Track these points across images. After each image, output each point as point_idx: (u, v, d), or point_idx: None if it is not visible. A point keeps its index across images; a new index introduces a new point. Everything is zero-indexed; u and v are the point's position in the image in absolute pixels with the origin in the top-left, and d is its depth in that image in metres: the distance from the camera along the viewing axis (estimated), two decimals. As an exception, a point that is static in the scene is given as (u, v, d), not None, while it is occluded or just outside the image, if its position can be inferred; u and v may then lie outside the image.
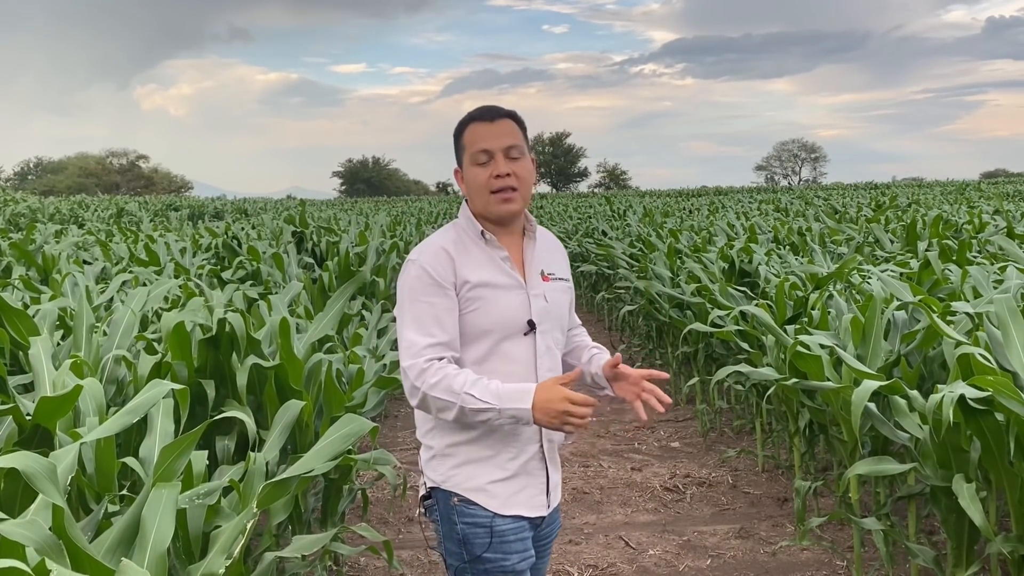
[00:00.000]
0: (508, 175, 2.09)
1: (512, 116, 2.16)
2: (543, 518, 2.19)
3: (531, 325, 2.12)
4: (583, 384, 2.31)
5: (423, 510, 2.21)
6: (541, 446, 2.15)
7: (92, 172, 72.73)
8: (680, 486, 5.16)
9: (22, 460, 1.47)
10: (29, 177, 75.40)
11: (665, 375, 2.19)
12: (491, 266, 2.11)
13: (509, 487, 2.11)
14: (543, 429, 2.12)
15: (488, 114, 2.14)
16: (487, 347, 2.09)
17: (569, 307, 2.31)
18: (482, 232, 2.13)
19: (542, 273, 2.19)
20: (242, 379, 3.33)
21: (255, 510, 1.92)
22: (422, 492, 2.19)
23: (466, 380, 1.98)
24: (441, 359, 2.02)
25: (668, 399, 2.14)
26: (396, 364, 3.77)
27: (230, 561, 1.79)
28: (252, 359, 3.40)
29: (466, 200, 2.19)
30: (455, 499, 2.10)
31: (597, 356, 2.31)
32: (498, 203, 2.10)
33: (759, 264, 6.40)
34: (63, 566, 1.39)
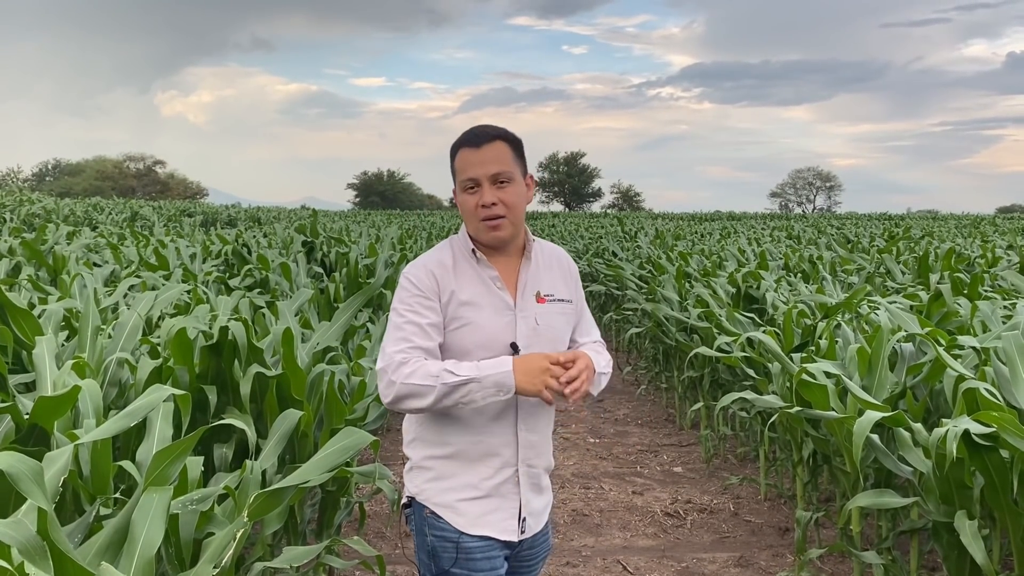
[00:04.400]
0: (494, 204, 2.08)
1: (502, 137, 2.12)
2: (520, 542, 2.17)
3: (514, 348, 2.08)
4: None
5: (405, 518, 2.24)
6: (517, 470, 2.13)
7: (109, 175, 73.37)
8: (681, 512, 5.11)
9: (7, 460, 1.47)
10: (47, 178, 76.11)
11: None
12: (480, 285, 2.11)
13: (479, 507, 2.11)
14: (520, 452, 2.12)
15: (475, 139, 2.11)
16: None
17: (576, 326, 2.26)
18: (473, 251, 2.14)
19: (538, 295, 2.16)
20: (246, 388, 3.32)
21: (246, 520, 1.91)
22: (403, 500, 2.23)
23: (445, 363, 2.01)
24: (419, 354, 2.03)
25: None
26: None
27: (218, 570, 1.78)
28: (255, 368, 3.40)
29: None
30: (427, 511, 2.13)
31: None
32: (487, 231, 2.11)
33: (766, 291, 6.37)
34: (46, 568, 1.38)
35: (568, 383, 1.99)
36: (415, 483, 2.16)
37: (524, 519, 2.16)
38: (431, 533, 2.12)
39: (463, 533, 2.09)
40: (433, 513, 2.12)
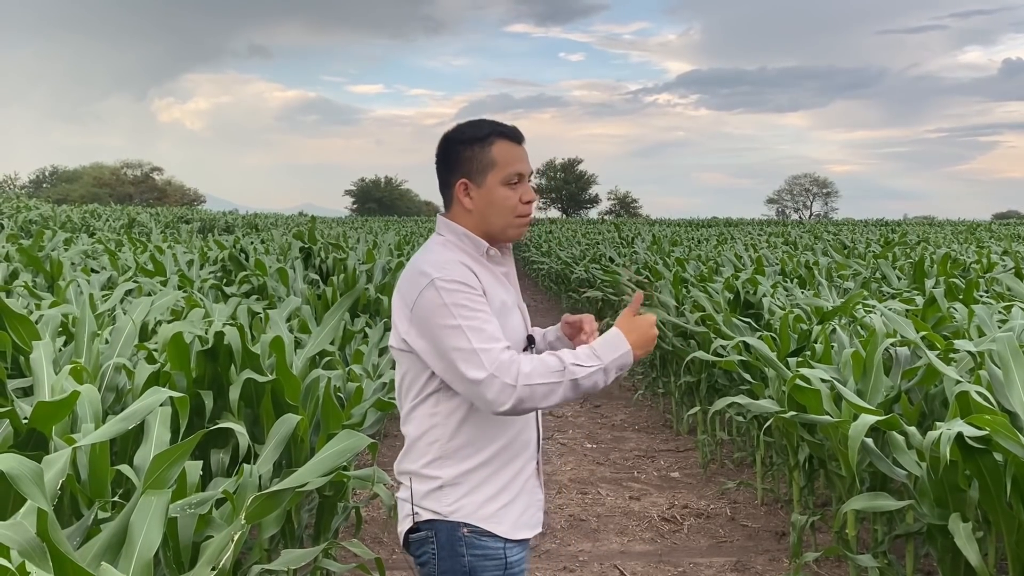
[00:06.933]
0: (532, 201, 2.05)
1: None
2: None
3: (530, 341, 2.05)
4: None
5: (407, 544, 2.06)
6: (537, 461, 2.09)
7: (106, 182, 73.29)
8: (678, 517, 5.12)
9: (8, 462, 1.48)
10: (44, 185, 76.05)
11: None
12: (498, 284, 2.02)
13: (515, 509, 2.02)
14: (540, 444, 2.09)
15: (518, 135, 2.06)
16: None
17: None
18: (488, 249, 2.03)
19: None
20: (234, 393, 3.33)
21: (243, 523, 1.92)
22: (408, 525, 2.03)
23: (559, 356, 1.88)
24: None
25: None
26: (394, 384, 3.75)
27: (215, 573, 1.79)
28: (247, 373, 3.41)
29: (446, 216, 2.08)
30: (464, 530, 1.97)
31: (544, 329, 2.27)
32: (518, 228, 2.04)
33: (763, 295, 6.39)
34: (46, 569, 1.39)
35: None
36: (444, 502, 1.97)
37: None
38: (469, 553, 1.97)
39: (508, 540, 1.99)
40: (474, 530, 1.97)
